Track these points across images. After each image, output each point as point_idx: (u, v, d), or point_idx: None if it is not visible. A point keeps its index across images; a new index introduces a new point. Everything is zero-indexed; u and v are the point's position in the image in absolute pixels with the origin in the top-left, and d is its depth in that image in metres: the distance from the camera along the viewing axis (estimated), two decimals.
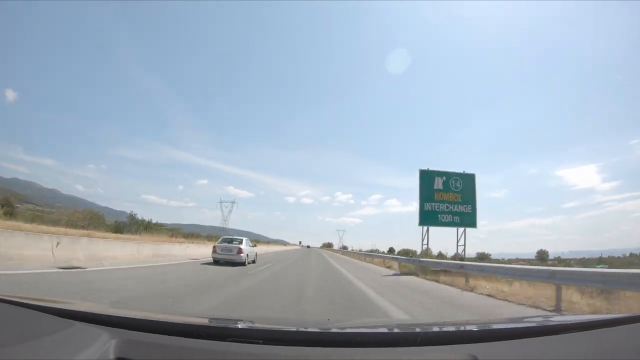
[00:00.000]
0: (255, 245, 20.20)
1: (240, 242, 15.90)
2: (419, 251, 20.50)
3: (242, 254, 15.08)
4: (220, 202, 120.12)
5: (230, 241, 16.16)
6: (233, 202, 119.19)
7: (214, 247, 15.85)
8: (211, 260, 15.32)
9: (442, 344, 1.12)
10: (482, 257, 69.48)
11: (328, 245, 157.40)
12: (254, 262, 17.09)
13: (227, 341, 1.09)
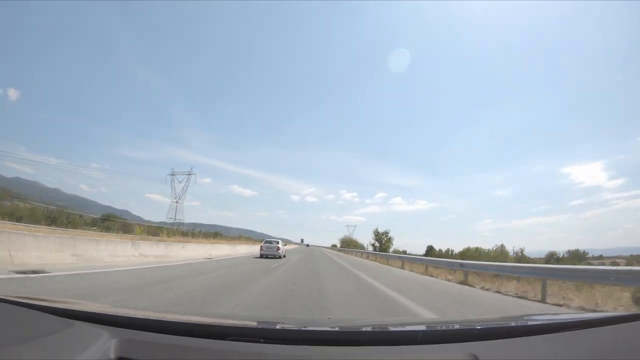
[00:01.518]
0: (286, 245, 29.66)
1: (278, 242, 23.86)
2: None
3: (279, 250, 22.53)
4: (172, 174, 73.65)
5: (271, 242, 24.23)
6: (190, 174, 74.30)
7: (261, 246, 23.65)
8: None
9: (443, 343, 1.12)
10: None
11: (356, 245, 74.24)
12: (284, 256, 23.72)
13: (227, 340, 1.09)
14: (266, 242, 24.73)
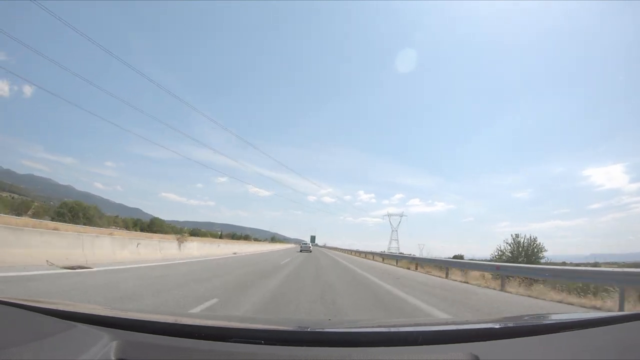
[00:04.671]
0: (314, 244, 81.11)
1: (309, 243, 55.03)
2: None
3: (310, 248, 49.32)
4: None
5: (306, 243, 51.19)
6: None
7: (300, 245, 51.55)
8: None
9: (443, 343, 1.11)
10: None
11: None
12: (311, 251, 43.96)
13: (228, 341, 1.09)
14: (303, 243, 49.60)
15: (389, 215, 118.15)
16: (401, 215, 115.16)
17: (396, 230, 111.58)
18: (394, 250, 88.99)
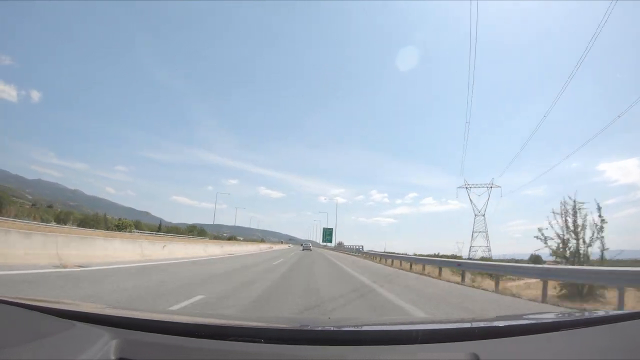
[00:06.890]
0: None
1: (309, 243, 67.12)
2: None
3: (311, 246, 61.24)
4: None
5: (307, 242, 64.81)
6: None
7: (302, 244, 65.88)
8: None
9: (443, 342, 1.10)
10: None
11: None
12: (310, 249, 53.41)
13: (228, 340, 1.08)
14: (304, 242, 56.00)
15: (468, 187, 63.55)
16: (490, 187, 61.76)
17: (483, 215, 62.08)
18: (480, 251, 57.36)
